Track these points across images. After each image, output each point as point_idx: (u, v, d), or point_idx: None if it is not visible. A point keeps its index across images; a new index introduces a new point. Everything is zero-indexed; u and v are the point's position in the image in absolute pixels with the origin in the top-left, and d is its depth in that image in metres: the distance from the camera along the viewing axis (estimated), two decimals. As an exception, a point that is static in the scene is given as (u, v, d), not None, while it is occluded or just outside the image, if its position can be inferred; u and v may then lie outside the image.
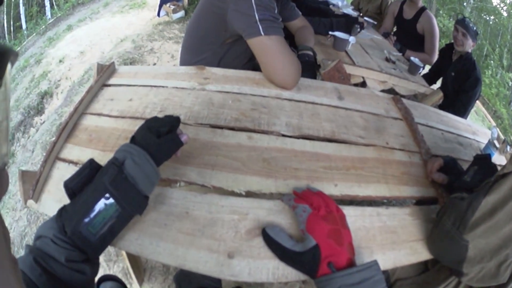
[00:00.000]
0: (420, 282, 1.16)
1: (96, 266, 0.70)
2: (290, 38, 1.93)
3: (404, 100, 1.57)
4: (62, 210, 0.65)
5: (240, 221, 0.81)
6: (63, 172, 0.89)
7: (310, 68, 1.56)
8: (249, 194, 0.87)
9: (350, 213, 0.92)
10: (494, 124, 7.27)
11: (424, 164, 1.23)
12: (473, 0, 12.63)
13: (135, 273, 1.49)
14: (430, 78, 3.04)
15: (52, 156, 0.92)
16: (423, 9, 3.25)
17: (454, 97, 2.59)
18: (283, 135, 1.08)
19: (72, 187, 0.66)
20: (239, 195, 0.87)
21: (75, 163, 0.91)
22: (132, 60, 3.46)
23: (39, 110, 3.39)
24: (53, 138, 0.96)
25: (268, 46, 1.25)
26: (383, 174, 1.09)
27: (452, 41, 2.69)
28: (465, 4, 12.36)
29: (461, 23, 2.54)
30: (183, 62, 1.63)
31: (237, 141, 1.02)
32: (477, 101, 7.90)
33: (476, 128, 1.99)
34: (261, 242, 0.78)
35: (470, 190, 0.98)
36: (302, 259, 0.71)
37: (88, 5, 7.58)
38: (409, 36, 3.29)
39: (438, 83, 2.98)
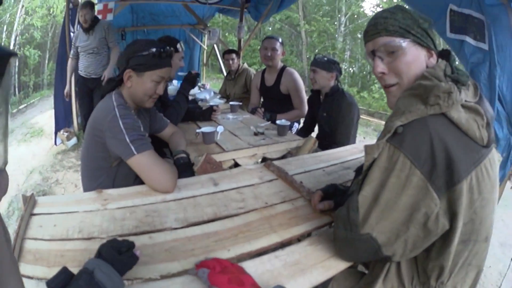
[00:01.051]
0: (362, 286, 1.39)
1: None
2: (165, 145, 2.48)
3: (276, 162, 2.07)
4: None
5: None
6: (26, 285, 1.11)
7: (187, 168, 2.02)
8: (163, 277, 1.18)
9: (249, 265, 1.25)
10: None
11: (309, 203, 1.65)
12: (343, 28, 14.42)
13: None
14: (307, 129, 3.59)
15: None
16: (282, 69, 3.87)
17: (333, 133, 3.04)
18: (175, 228, 1.44)
19: (54, 287, 0.91)
20: (155, 279, 1.17)
21: (31, 277, 1.14)
22: (44, 192, 3.84)
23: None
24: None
25: (143, 163, 1.71)
26: (270, 227, 1.47)
27: None
28: (336, 35, 14.14)
29: (312, 62, 3.07)
30: (85, 189, 2.03)
31: (141, 242, 1.32)
32: (373, 118, 8.84)
33: (362, 145, 2.50)
34: None
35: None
36: None
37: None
38: (276, 101, 3.90)
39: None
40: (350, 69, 13.00)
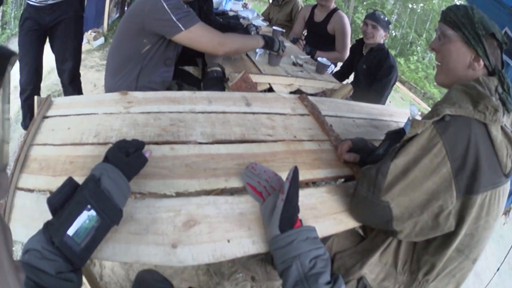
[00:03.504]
0: (359, 251, 1.36)
1: (80, 275, 0.84)
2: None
3: (311, 97, 1.92)
4: (48, 224, 0.78)
5: (176, 216, 1.04)
6: (23, 200, 1.05)
7: (219, 83, 1.95)
8: (179, 194, 1.12)
9: (267, 198, 1.18)
10: (424, 105, 8.05)
11: (335, 149, 1.55)
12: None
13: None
14: (342, 74, 3.50)
15: (12, 186, 1.08)
16: (334, 10, 3.69)
17: (368, 88, 2.98)
18: (200, 143, 1.35)
19: (54, 204, 0.81)
20: (170, 196, 1.11)
21: (32, 190, 1.07)
22: (59, 93, 3.64)
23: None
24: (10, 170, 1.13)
25: (192, 37, 1.78)
26: (294, 163, 1.38)
27: (362, 36, 3.12)
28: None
29: (371, 16, 2.97)
30: (108, 84, 2.00)
31: (162, 153, 1.26)
32: (403, 86, 8.63)
33: (394, 110, 2.40)
34: (197, 231, 1.02)
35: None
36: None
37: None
38: (320, 38, 3.74)
39: (351, 79, 3.39)
40: (393, 32, 12.43)
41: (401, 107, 6.61)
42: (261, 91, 1.97)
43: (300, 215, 1.16)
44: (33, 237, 0.78)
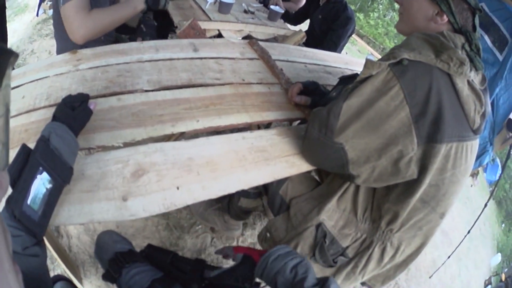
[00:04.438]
0: (315, 196, 1.34)
1: (44, 247, 0.80)
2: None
3: (261, 43, 1.85)
4: (9, 198, 0.73)
5: (124, 167, 0.99)
6: None
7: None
8: (126, 145, 1.06)
9: (215, 141, 1.15)
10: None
11: (286, 92, 1.51)
12: None
13: (73, 274, 1.58)
14: (295, 19, 3.39)
15: None
16: None
17: (322, 37, 2.93)
18: (146, 91, 1.28)
19: (12, 175, 0.75)
20: (118, 147, 1.05)
21: None
22: (18, 66, 3.44)
23: None
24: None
25: (63, 15, 1.46)
26: (243, 105, 1.34)
27: None
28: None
29: None
30: (58, 49, 1.83)
31: (109, 104, 1.18)
32: (361, 40, 8.68)
33: (349, 58, 2.36)
34: (146, 180, 0.97)
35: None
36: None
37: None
38: None
39: (305, 26, 3.31)
40: None
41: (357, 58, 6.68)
42: (210, 38, 1.88)
43: (250, 158, 1.14)
44: None
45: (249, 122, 1.27)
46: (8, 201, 0.73)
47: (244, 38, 2.05)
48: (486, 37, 2.64)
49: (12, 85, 1.31)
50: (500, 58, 2.53)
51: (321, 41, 2.89)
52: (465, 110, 1.04)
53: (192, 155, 1.08)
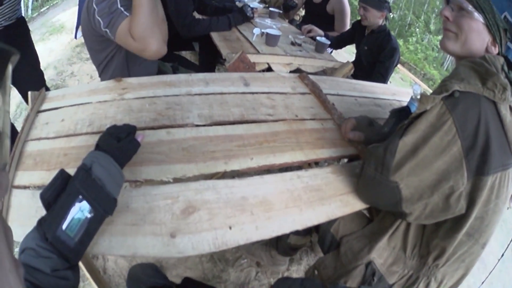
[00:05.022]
0: (367, 234, 1.31)
1: (77, 272, 0.79)
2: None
3: (311, 76, 1.82)
4: (42, 220, 0.74)
5: (173, 203, 0.97)
6: (19, 198, 0.99)
7: None
8: (176, 180, 1.05)
9: (269, 179, 1.11)
10: (424, 86, 7.97)
11: (339, 128, 1.47)
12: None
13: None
14: (336, 44, 3.34)
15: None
16: None
17: (369, 69, 2.89)
18: (197, 125, 1.27)
19: (47, 198, 0.75)
20: (167, 182, 1.04)
21: (27, 187, 1.02)
22: (56, 87, 3.56)
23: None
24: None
25: (121, 40, 1.48)
26: (297, 143, 1.30)
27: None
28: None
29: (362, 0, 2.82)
30: (102, 78, 1.82)
31: (158, 137, 1.19)
32: (403, 67, 8.55)
33: (396, 89, 2.31)
34: (196, 218, 0.95)
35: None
36: None
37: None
38: (319, 18, 3.59)
39: (346, 51, 3.23)
40: (391, 14, 12.25)
41: (401, 87, 6.57)
42: (259, 71, 1.87)
43: (305, 197, 1.10)
44: (28, 235, 0.74)
45: (304, 161, 1.23)
46: (40, 222, 0.74)
47: (292, 71, 2.03)
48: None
49: (51, 106, 1.34)
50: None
51: (369, 73, 2.84)
52: (508, 137, 1.00)
53: (246, 194, 1.05)
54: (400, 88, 2.47)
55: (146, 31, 1.42)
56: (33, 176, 1.05)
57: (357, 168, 1.23)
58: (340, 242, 1.35)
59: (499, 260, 3.08)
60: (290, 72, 2.03)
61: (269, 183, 1.10)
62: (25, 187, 1.02)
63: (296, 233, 1.60)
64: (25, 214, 0.91)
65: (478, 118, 0.96)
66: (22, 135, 1.18)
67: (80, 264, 1.38)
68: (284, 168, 1.20)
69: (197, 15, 2.87)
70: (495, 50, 1.12)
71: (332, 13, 3.59)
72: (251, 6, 2.88)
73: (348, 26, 3.51)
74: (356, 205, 1.17)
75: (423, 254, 1.19)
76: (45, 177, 1.00)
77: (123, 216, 0.92)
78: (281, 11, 3.50)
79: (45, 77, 3.72)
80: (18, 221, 0.95)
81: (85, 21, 1.58)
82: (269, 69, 2.05)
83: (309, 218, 1.05)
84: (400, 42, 10.52)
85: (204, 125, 1.28)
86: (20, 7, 2.39)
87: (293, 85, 1.72)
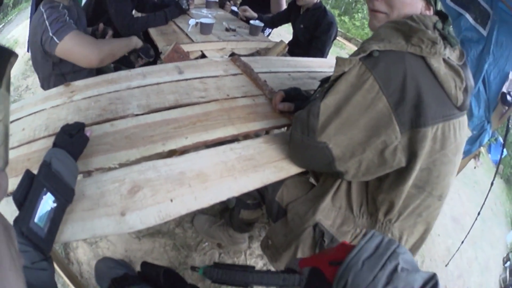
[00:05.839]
0: (311, 198, 1.33)
1: (51, 263, 0.85)
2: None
3: (243, 58, 1.93)
4: (16, 218, 0.79)
5: (121, 186, 1.06)
6: None
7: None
8: (121, 165, 1.14)
9: (204, 154, 1.21)
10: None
11: (270, 102, 1.57)
12: None
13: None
14: (271, 22, 3.41)
15: None
16: None
17: (307, 46, 2.97)
18: (137, 115, 1.36)
19: (18, 198, 0.82)
20: (114, 168, 1.13)
21: None
22: (14, 102, 3.50)
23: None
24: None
25: (66, 47, 1.64)
26: (229, 119, 1.41)
27: None
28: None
29: None
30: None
31: (103, 130, 1.28)
32: (349, 43, 8.65)
33: (334, 62, 2.40)
34: (141, 196, 1.04)
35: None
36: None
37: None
38: (255, 3, 3.60)
39: (289, 36, 3.31)
40: None
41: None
42: (193, 59, 1.96)
43: (239, 166, 1.19)
44: None
45: (236, 134, 1.33)
46: (15, 220, 0.79)
47: (230, 55, 2.12)
48: (467, 15, 2.61)
49: (11, 119, 1.41)
50: (484, 33, 2.50)
51: (307, 50, 2.93)
52: (445, 89, 1.03)
53: (183, 169, 1.14)
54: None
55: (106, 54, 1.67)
56: None
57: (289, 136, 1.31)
58: (286, 209, 1.38)
59: (476, 218, 3.19)
60: (225, 56, 2.12)
61: (204, 157, 1.19)
62: None
63: (246, 207, 1.67)
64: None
65: (403, 73, 0.99)
66: None
67: (60, 272, 1.48)
68: (221, 143, 1.29)
69: (137, 14, 2.92)
70: (429, 13, 1.15)
71: None
72: None
73: (284, 7, 3.56)
74: (291, 169, 1.26)
75: (371, 211, 1.22)
76: (15, 182, 1.04)
77: (80, 204, 1.00)
78: (217, 0, 3.55)
79: None
80: None
81: (32, 31, 1.71)
82: (204, 56, 2.13)
83: (244, 185, 1.14)
84: (346, 19, 10.69)
85: (142, 114, 1.37)
86: None
87: (225, 68, 1.82)
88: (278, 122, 1.48)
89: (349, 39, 9.52)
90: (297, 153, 1.24)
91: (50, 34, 1.59)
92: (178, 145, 1.24)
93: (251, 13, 3.16)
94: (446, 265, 2.97)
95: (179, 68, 1.72)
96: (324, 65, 2.26)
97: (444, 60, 1.05)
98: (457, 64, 1.08)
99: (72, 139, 1.06)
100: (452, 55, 1.10)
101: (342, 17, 11.05)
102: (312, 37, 2.93)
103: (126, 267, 1.34)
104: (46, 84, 1.94)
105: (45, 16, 1.62)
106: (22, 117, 1.41)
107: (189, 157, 1.19)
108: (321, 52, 2.90)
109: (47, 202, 0.84)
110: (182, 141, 1.25)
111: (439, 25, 1.10)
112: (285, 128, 1.54)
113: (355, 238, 1.24)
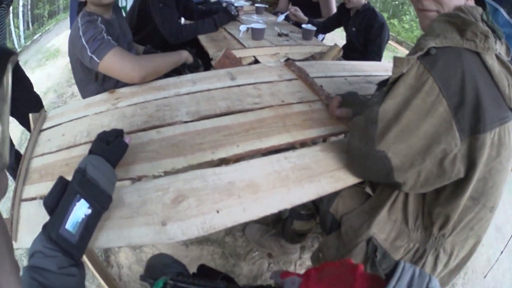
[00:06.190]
0: (366, 210, 1.25)
1: (82, 269, 0.84)
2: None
3: (298, 63, 1.85)
4: (46, 224, 0.80)
5: (164, 194, 1.02)
6: (28, 210, 1.07)
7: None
8: (167, 173, 1.10)
9: (256, 163, 1.14)
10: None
11: (327, 108, 1.48)
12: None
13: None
14: (323, 28, 3.31)
15: (17, 200, 1.11)
16: None
17: (362, 50, 2.88)
18: (185, 122, 1.32)
19: (50, 204, 0.82)
20: (158, 176, 1.09)
21: (35, 198, 1.09)
22: (57, 107, 3.61)
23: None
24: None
25: (108, 66, 1.56)
26: (284, 126, 1.33)
27: None
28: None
29: None
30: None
31: (149, 138, 1.24)
32: (401, 47, 8.36)
33: (389, 65, 2.26)
34: (185, 206, 0.99)
35: None
36: None
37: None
38: (305, 8, 3.46)
39: (340, 37, 3.20)
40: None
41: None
42: (246, 65, 1.90)
43: (293, 176, 1.11)
44: (35, 239, 0.80)
45: (291, 142, 1.26)
46: (44, 226, 0.80)
47: (285, 61, 2.05)
48: (501, 10, 2.40)
49: (51, 124, 1.43)
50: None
51: (363, 53, 2.84)
52: (500, 88, 0.94)
53: (233, 179, 1.08)
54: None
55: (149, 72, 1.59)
56: (39, 187, 1.12)
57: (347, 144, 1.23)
58: (340, 221, 1.31)
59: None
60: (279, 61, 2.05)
61: (256, 167, 1.12)
62: (32, 199, 1.09)
63: (299, 218, 1.60)
64: (33, 222, 0.98)
65: (462, 72, 0.90)
66: (27, 154, 1.27)
67: (95, 273, 1.45)
68: (274, 152, 1.22)
69: (184, 22, 2.93)
70: (471, 2, 1.06)
71: (316, 1, 3.57)
72: (236, 5, 2.91)
73: (334, 11, 3.47)
74: (348, 180, 1.16)
75: (427, 224, 1.13)
76: (50, 186, 1.07)
77: (118, 211, 0.97)
78: (267, 6, 3.50)
79: (47, 100, 3.76)
80: (28, 229, 1.02)
81: (70, 44, 1.67)
82: (256, 62, 2.07)
83: (298, 197, 1.06)
84: (395, 22, 10.37)
85: (192, 121, 1.32)
86: (4, 41, 2.47)
87: (279, 73, 1.74)
88: (336, 129, 1.38)
89: (400, 43, 9.19)
90: (355, 163, 1.15)
91: (89, 54, 1.55)
92: (229, 153, 1.17)
93: (301, 14, 3.09)
94: (484, 277, 2.75)
95: (231, 74, 1.67)
96: (380, 69, 2.13)
97: (496, 56, 0.96)
98: (507, 60, 1.00)
99: (109, 146, 1.02)
100: (502, 50, 1.02)
101: (391, 20, 10.72)
102: (366, 40, 2.82)
103: (183, 268, 1.28)
104: (88, 94, 1.89)
105: (81, 32, 1.58)
106: (62, 123, 1.41)
107: (239, 166, 1.12)
108: (378, 56, 2.80)
109: (81, 209, 0.82)
110: (233, 149, 1.19)
111: (485, 17, 1.02)
112: (343, 135, 1.43)
113: (408, 253, 1.16)
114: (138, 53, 2.18)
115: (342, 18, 3.11)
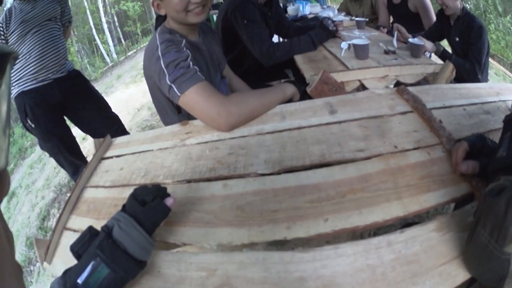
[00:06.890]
0: None
1: None
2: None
3: (411, 88, 1.26)
4: (67, 270, 0.67)
5: (208, 277, 0.69)
6: (69, 240, 0.86)
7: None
8: (220, 247, 0.76)
9: (345, 251, 0.68)
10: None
11: (449, 155, 0.92)
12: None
13: None
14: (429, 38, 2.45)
15: (60, 226, 0.97)
16: None
17: (466, 59, 2.11)
18: (261, 175, 0.90)
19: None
20: (209, 250, 0.76)
21: (77, 231, 0.92)
22: (151, 127, 3.38)
23: (70, 187, 3.36)
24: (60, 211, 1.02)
25: (189, 102, 1.12)
26: (394, 188, 0.81)
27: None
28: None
29: None
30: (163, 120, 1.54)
31: (211, 192, 0.88)
32: (493, 61, 6.60)
33: (498, 87, 1.57)
34: None
35: (510, 168, 0.66)
36: None
37: (102, 80, 7.57)
38: (403, 19, 2.78)
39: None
40: (467, 5, 9.64)
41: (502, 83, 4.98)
42: (350, 92, 1.37)
43: (391, 276, 0.64)
44: (55, 279, 0.67)
45: (401, 216, 0.75)
46: (66, 271, 0.66)
47: (395, 85, 1.47)
48: None
49: (114, 154, 1.18)
50: None
51: (467, 64, 2.09)
52: None
53: (306, 273, 0.65)
54: (501, 85, 1.70)
55: (240, 119, 1.12)
56: (84, 222, 0.95)
57: (469, 216, 0.72)
58: None
59: None
60: (394, 86, 1.46)
61: (344, 257, 0.67)
62: (74, 231, 0.94)
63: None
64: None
65: None
66: (81, 181, 1.08)
67: None
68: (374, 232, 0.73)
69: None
70: None
71: (415, 11, 2.79)
72: (335, 19, 2.31)
73: (434, 18, 2.67)
74: (458, 277, 0.65)
75: None
76: (94, 224, 0.79)
77: (151, 280, 0.72)
78: (367, 20, 2.79)
79: (139, 117, 3.50)
80: (62, 258, 0.88)
81: (146, 61, 1.27)
82: (362, 87, 1.51)
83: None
84: (483, 33, 8.35)
85: (270, 174, 0.90)
86: (69, 62, 2.29)
87: (391, 104, 1.17)
88: (457, 191, 0.82)
89: (491, 56, 7.30)
90: (474, 259, 0.66)
91: (168, 82, 1.12)
92: (311, 232, 0.72)
93: (405, 31, 2.24)
94: None
95: (331, 106, 1.17)
96: (492, 92, 1.40)
97: None
98: None
99: (144, 208, 0.73)
100: None
101: (479, 31, 8.58)
102: (468, 46, 2.09)
103: None
104: (169, 121, 1.45)
105: (159, 52, 1.15)
106: (124, 155, 1.13)
107: (321, 255, 0.68)
108: (478, 64, 2.04)
109: (99, 270, 0.63)
110: (319, 226, 0.73)
111: None
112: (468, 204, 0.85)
113: None
114: (232, 87, 1.71)
115: (443, 28, 2.38)
